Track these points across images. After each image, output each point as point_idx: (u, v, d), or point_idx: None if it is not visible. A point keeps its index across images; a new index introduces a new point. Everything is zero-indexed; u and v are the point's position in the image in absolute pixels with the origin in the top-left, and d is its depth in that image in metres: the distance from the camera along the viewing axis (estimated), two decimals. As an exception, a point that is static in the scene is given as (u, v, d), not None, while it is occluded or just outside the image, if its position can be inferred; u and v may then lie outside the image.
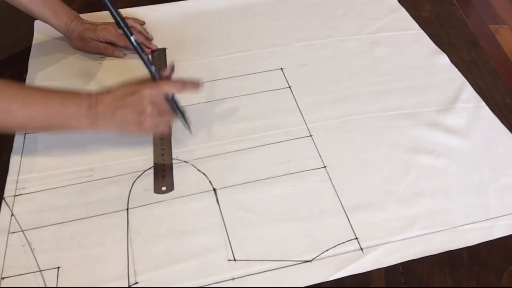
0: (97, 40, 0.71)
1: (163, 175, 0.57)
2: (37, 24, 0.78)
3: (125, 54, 0.74)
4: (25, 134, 0.62)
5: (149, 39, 0.76)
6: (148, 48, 0.74)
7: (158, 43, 0.76)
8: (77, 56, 0.74)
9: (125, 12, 0.81)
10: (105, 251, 0.51)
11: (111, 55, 0.73)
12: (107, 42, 0.72)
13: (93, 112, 0.52)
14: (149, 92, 0.52)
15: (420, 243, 0.51)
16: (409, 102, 0.65)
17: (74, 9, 0.73)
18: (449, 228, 0.52)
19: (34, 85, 0.66)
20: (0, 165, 0.58)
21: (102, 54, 0.73)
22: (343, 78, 0.69)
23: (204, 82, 0.68)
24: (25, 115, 0.51)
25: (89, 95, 0.53)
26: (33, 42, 0.76)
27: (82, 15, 0.74)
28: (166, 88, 0.54)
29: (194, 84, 0.56)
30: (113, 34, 0.71)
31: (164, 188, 0.56)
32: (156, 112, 0.53)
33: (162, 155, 0.59)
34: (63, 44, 0.75)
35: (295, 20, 0.80)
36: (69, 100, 0.52)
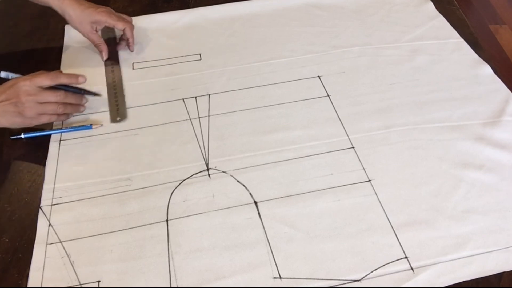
0: (94, 30, 0.70)
1: (117, 108, 0.64)
2: (67, 28, 0.76)
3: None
4: (60, 141, 0.61)
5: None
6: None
7: (191, 48, 0.74)
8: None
9: (153, 18, 0.79)
10: (146, 264, 0.49)
11: (100, 50, 0.71)
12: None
13: None
14: (22, 84, 0.57)
15: (474, 264, 0.49)
16: (454, 114, 0.63)
17: None
18: (504, 248, 0.50)
19: None
20: (33, 172, 0.58)
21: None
22: (384, 88, 0.67)
23: (235, 90, 0.67)
24: None
25: None
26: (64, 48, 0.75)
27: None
28: (38, 80, 0.58)
29: (71, 78, 0.61)
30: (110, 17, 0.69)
31: (118, 118, 0.63)
32: (34, 101, 0.57)
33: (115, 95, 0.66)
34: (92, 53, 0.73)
35: (330, 26, 0.78)
36: None
